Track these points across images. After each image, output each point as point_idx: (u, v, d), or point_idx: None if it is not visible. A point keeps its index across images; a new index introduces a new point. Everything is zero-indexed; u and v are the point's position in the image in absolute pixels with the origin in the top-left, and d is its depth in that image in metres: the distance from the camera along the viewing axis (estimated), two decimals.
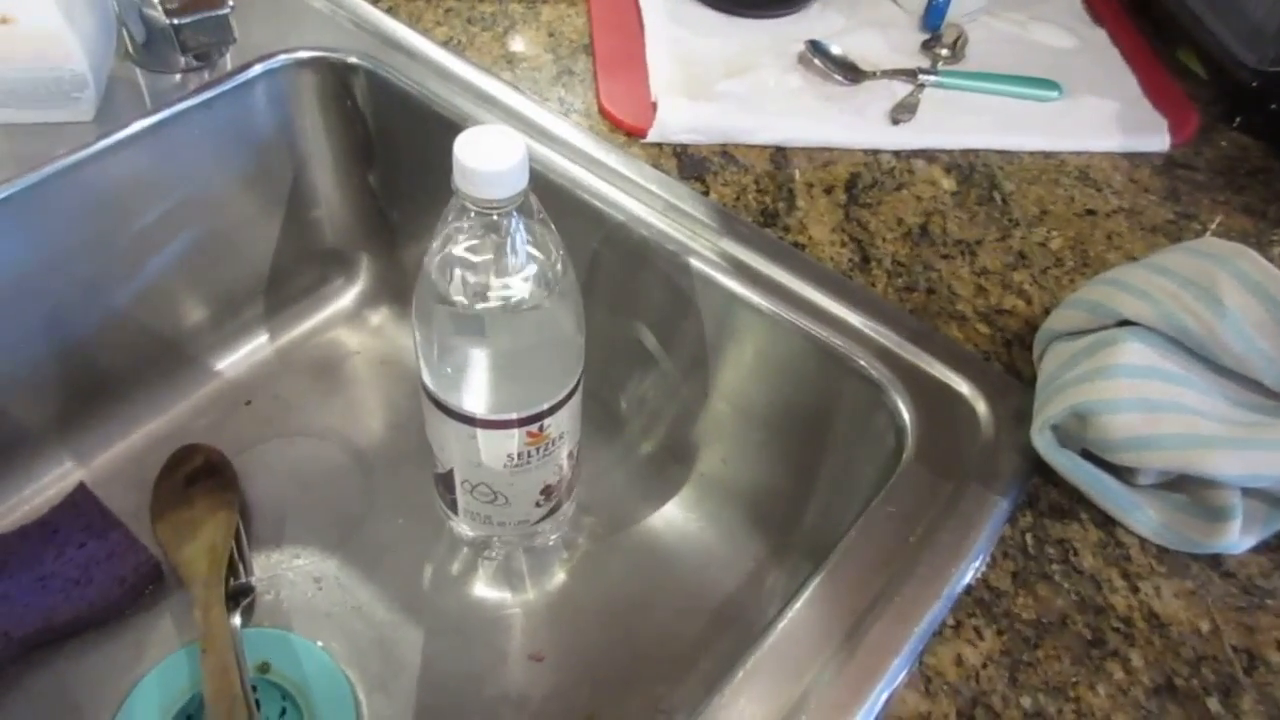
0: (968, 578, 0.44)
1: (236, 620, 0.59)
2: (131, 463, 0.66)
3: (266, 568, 0.62)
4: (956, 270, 0.57)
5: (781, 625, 0.42)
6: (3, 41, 0.52)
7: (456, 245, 0.48)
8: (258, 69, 0.62)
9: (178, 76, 0.61)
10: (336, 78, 0.65)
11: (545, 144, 0.60)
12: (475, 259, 0.48)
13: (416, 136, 0.64)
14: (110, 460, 0.65)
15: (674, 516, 0.65)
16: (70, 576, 0.59)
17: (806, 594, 0.43)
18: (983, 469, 0.47)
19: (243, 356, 0.71)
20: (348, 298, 0.75)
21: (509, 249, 0.48)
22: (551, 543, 0.64)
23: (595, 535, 0.65)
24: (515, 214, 0.46)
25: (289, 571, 0.62)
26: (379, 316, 0.75)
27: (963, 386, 0.50)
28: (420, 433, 0.56)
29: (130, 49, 0.61)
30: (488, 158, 0.44)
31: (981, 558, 0.44)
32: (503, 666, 0.60)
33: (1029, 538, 0.45)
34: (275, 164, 0.67)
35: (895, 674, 0.40)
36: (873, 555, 0.44)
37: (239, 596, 0.60)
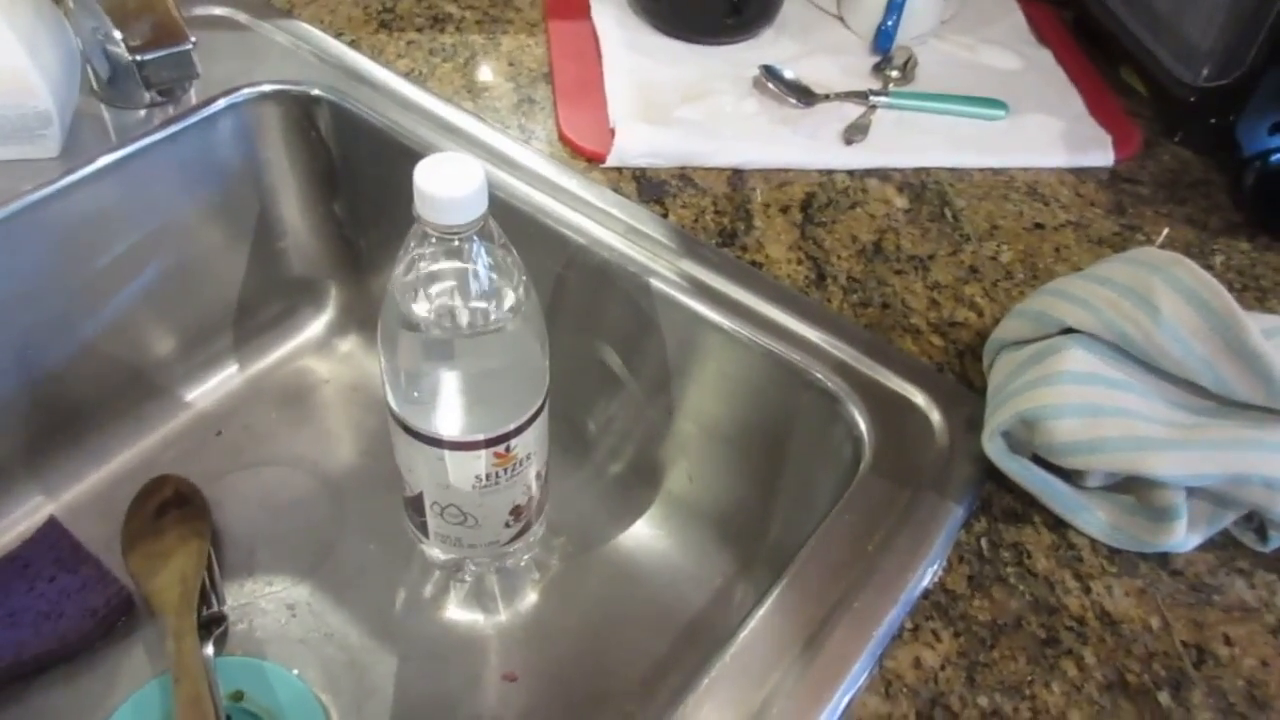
0: (925, 582, 0.45)
1: (209, 649, 0.59)
2: (102, 495, 0.66)
3: (239, 596, 0.63)
4: (910, 285, 0.58)
5: (744, 635, 0.43)
6: None
7: (419, 271, 0.49)
8: (222, 103, 0.64)
9: (142, 112, 0.62)
10: (300, 110, 0.66)
11: (507, 170, 0.61)
12: (438, 284, 0.49)
13: (380, 166, 0.65)
14: (81, 493, 0.66)
15: (643, 535, 0.66)
16: (41, 610, 0.59)
17: (768, 603, 0.44)
18: (938, 477, 0.48)
19: (212, 387, 0.72)
20: (316, 326, 0.76)
21: (471, 273, 0.49)
22: (523, 564, 0.64)
23: (566, 555, 0.66)
24: (476, 239, 0.47)
25: (261, 600, 0.63)
26: (348, 344, 0.75)
27: (917, 397, 0.52)
28: (390, 459, 0.57)
29: (95, 85, 0.62)
30: (447, 184, 0.45)
31: (938, 563, 0.46)
32: (477, 687, 0.60)
33: (984, 542, 0.47)
34: (241, 196, 0.67)
35: (856, 677, 0.41)
36: (832, 563, 0.45)
37: (211, 626, 0.60)
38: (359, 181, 0.69)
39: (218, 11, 0.70)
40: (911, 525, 0.46)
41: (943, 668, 0.42)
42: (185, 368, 0.70)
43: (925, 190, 0.64)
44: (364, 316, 0.75)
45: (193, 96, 0.63)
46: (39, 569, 0.61)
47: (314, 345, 0.75)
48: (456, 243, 0.47)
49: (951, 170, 0.66)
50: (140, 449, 0.68)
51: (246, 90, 0.64)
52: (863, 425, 0.51)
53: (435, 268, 0.49)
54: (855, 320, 0.56)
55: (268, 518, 0.66)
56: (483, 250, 0.48)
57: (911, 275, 0.59)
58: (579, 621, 0.63)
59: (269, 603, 0.63)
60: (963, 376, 0.53)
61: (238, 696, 0.58)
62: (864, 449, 0.50)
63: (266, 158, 0.67)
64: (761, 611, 0.44)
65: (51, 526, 0.63)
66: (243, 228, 0.69)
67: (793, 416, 0.55)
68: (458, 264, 0.49)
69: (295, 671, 0.59)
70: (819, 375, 0.53)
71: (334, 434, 0.72)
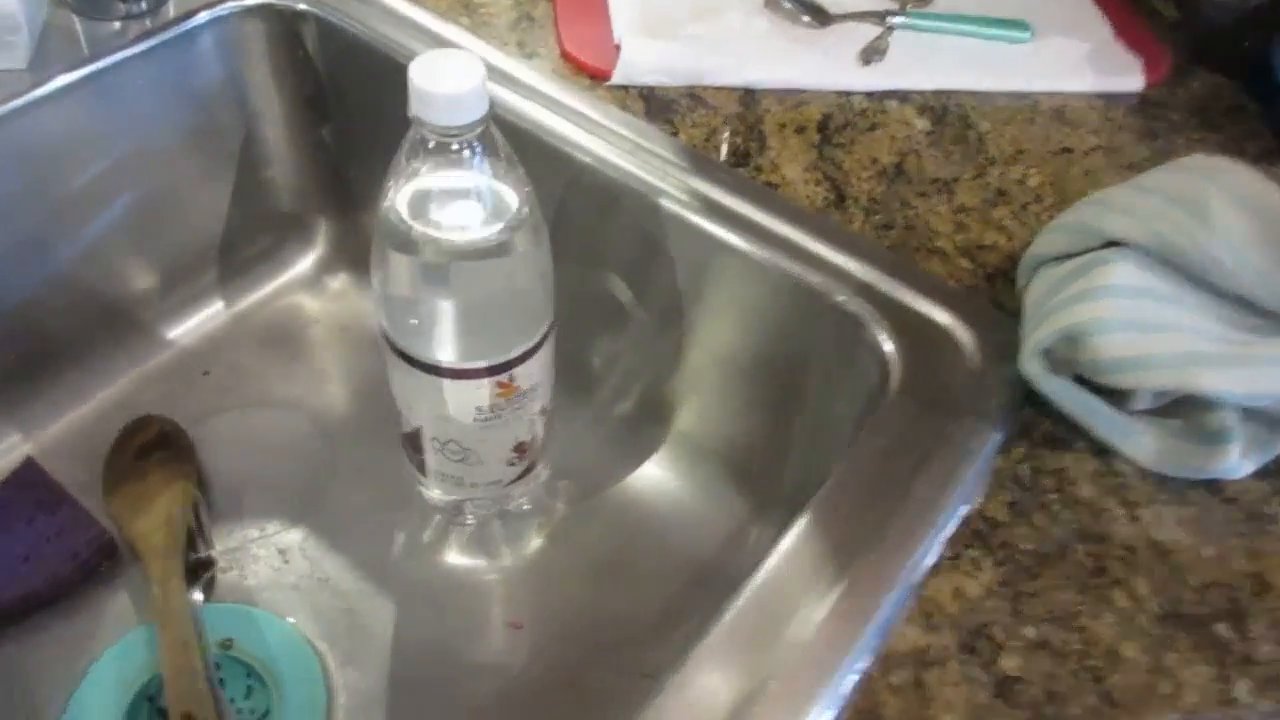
0: (963, 509, 0.42)
1: (196, 595, 0.56)
2: (82, 435, 0.62)
3: (228, 542, 0.59)
4: (934, 207, 0.55)
5: (765, 571, 0.40)
6: None
7: (414, 183, 0.46)
8: (203, 16, 0.60)
9: (117, 24, 0.58)
10: (285, 25, 0.62)
11: (506, 86, 0.58)
12: (435, 198, 0.46)
13: (370, 86, 0.61)
14: (59, 432, 0.62)
15: (652, 477, 0.63)
16: (18, 554, 0.56)
17: (792, 535, 0.41)
18: (971, 400, 0.45)
19: (197, 324, 0.68)
20: (305, 263, 0.72)
21: (472, 185, 0.45)
22: (526, 507, 0.61)
23: (571, 499, 0.63)
24: (478, 145, 0.44)
25: (251, 545, 0.60)
26: (339, 282, 0.72)
27: (946, 319, 0.49)
28: (386, 401, 0.54)
29: None
30: (446, 80, 0.42)
31: (976, 489, 0.43)
32: (480, 635, 0.57)
33: (1024, 468, 0.44)
34: (223, 119, 0.64)
35: (891, 608, 0.39)
36: (862, 490, 0.42)
37: (199, 571, 0.57)
38: (349, 106, 0.65)
39: None
40: (946, 450, 0.43)
41: (986, 597, 0.39)
42: (167, 303, 0.67)
43: (947, 113, 0.61)
44: (356, 253, 0.72)
45: (171, 9, 0.59)
46: (16, 511, 0.58)
47: (303, 282, 0.72)
48: (456, 148, 0.44)
49: (974, 93, 0.62)
50: (121, 387, 0.65)
51: (230, 3, 0.60)
52: (888, 348, 0.48)
53: (433, 179, 0.46)
54: (878, 242, 0.52)
55: (257, 460, 0.63)
56: (485, 159, 0.45)
57: (935, 198, 0.55)
58: (586, 567, 0.60)
59: (260, 548, 0.59)
60: (994, 300, 0.50)
61: (226, 644, 0.55)
62: (891, 372, 0.47)
63: (250, 79, 0.63)
64: (785, 543, 0.41)
65: (28, 467, 0.59)
66: (225, 155, 0.65)
67: (812, 343, 0.52)
68: (457, 174, 0.45)
69: (291, 620, 0.56)
70: (841, 297, 0.50)
71: (326, 375, 0.68)
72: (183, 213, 0.65)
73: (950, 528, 0.41)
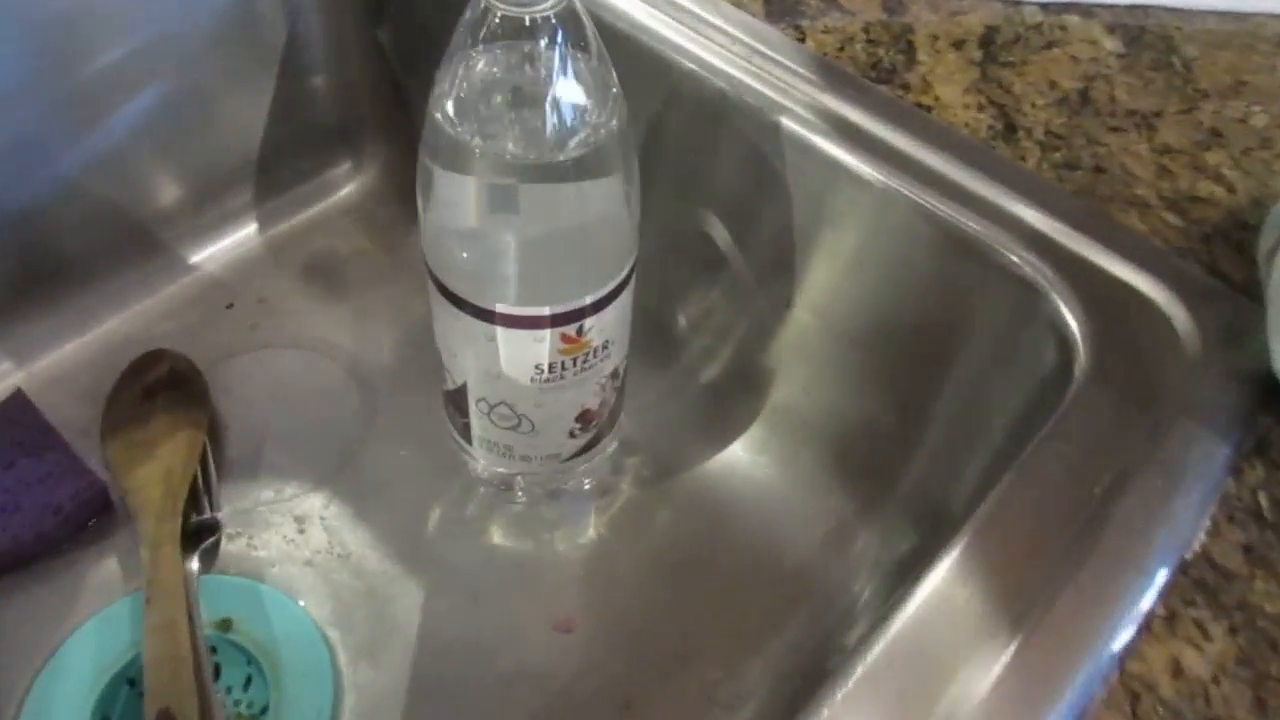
0: (1179, 550, 0.31)
1: (194, 564, 0.47)
2: (83, 368, 0.54)
3: (238, 502, 0.51)
4: (1130, 146, 0.43)
5: (909, 610, 0.29)
6: None
7: (474, 76, 0.36)
8: None
9: None
10: None
11: None
12: (498, 95, 0.35)
13: None
14: (57, 362, 0.54)
15: (739, 460, 0.53)
16: None
17: (945, 563, 0.30)
18: (1188, 400, 0.34)
19: (224, 249, 0.59)
20: (353, 187, 0.63)
21: (548, 80, 0.35)
22: (587, 487, 0.51)
23: (641, 480, 0.53)
24: (558, 27, 0.34)
25: (265, 508, 0.51)
26: (390, 211, 0.62)
27: (1152, 290, 0.37)
28: (436, 350, 0.44)
29: None
30: None
31: (1197, 523, 0.31)
32: (521, 636, 0.48)
33: (1262, 497, 0.32)
34: (264, 11, 0.54)
35: (1082, 684, 0.27)
36: (1039, 513, 0.31)
37: (201, 535, 0.49)
38: (412, 2, 0.55)
39: None
40: (1155, 465, 0.32)
41: (1217, 679, 0.28)
42: (191, 223, 0.58)
43: (1144, 33, 0.48)
44: (411, 179, 0.62)
45: None
46: None
47: (349, 209, 0.62)
48: (529, 30, 0.33)
49: (1175, 11, 0.50)
50: (132, 316, 0.56)
51: None
52: (1073, 323, 0.36)
53: (496, 71, 0.35)
54: (1060, 185, 0.41)
55: (282, 410, 0.54)
56: (566, 51, 0.34)
57: (1133, 134, 0.43)
58: (652, 563, 0.50)
59: (274, 513, 0.50)
60: (1212, 267, 0.38)
61: (224, 625, 0.47)
62: (1077, 355, 0.36)
63: None
64: (935, 575, 0.30)
65: (15, 401, 0.51)
66: (265, 53, 0.56)
67: (966, 310, 0.41)
68: (528, 67, 0.35)
69: (301, 603, 0.47)
70: (1012, 256, 0.38)
71: (368, 316, 0.59)
72: (213, 119, 0.56)
73: (1163, 576, 0.30)
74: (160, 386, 0.53)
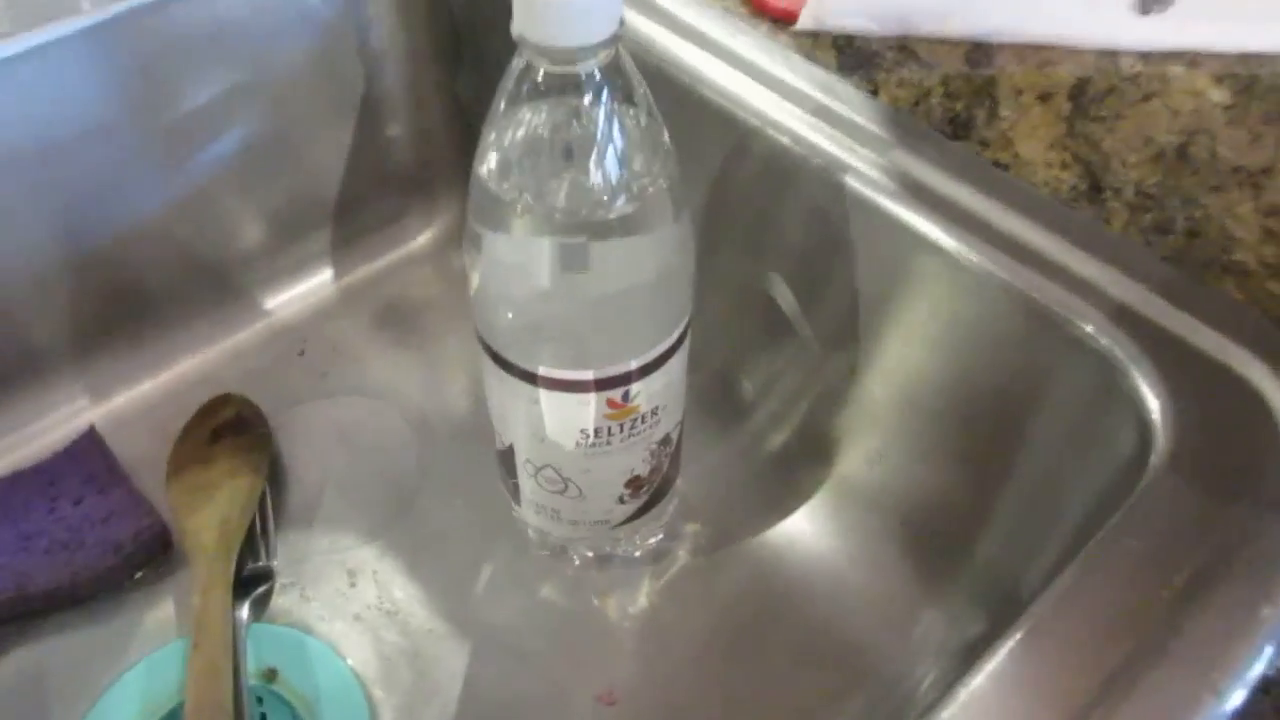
0: (1264, 662, 0.27)
1: (244, 612, 0.47)
2: (156, 407, 0.55)
3: (293, 551, 0.50)
4: (1232, 206, 0.39)
5: (957, 704, 0.27)
6: None
7: (517, 133, 0.35)
8: None
9: None
10: None
11: (659, 24, 0.46)
12: (540, 151, 0.34)
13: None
14: (130, 401, 0.55)
15: (801, 531, 0.50)
16: (59, 538, 0.49)
17: (996, 659, 0.27)
18: None
19: (299, 295, 0.60)
20: (428, 235, 0.63)
21: (593, 136, 0.34)
22: (638, 554, 0.50)
23: (699, 547, 0.50)
24: (601, 78, 0.33)
25: (318, 557, 0.50)
26: (461, 259, 0.62)
27: (1248, 367, 0.34)
28: None
29: None
30: None
31: None
32: (563, 705, 0.46)
33: None
34: (343, 60, 0.55)
35: None
36: (1104, 609, 0.28)
37: (254, 583, 0.49)
38: (486, 53, 0.55)
39: None
40: (1242, 564, 0.29)
41: None
42: (268, 268, 0.59)
43: (1256, 83, 0.45)
44: None
45: None
46: (65, 488, 0.51)
47: (423, 257, 0.62)
48: (573, 83, 0.32)
49: None
50: (207, 358, 0.57)
51: None
52: (1153, 403, 0.33)
53: (539, 128, 0.34)
54: (1148, 250, 0.38)
55: (342, 458, 0.54)
56: (610, 102, 0.33)
57: (1235, 193, 0.40)
58: (704, 636, 0.47)
59: (328, 564, 0.50)
60: None
61: (270, 675, 0.46)
62: (1155, 439, 0.32)
63: (373, 12, 0.54)
64: (989, 667, 0.27)
65: (87, 439, 0.52)
66: (345, 103, 0.57)
67: (1041, 384, 0.38)
68: (573, 123, 0.34)
69: (349, 661, 0.47)
70: (1088, 327, 0.35)
71: (435, 367, 0.59)
72: (291, 165, 0.57)
73: (1239, 697, 0.26)
74: (226, 430, 0.54)
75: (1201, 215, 0.39)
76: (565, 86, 0.33)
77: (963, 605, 0.45)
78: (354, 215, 0.60)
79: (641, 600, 0.49)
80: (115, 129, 0.49)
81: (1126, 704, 0.26)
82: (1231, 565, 0.29)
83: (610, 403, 0.39)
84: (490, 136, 0.36)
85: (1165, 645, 0.27)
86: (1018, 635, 0.28)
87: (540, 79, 0.33)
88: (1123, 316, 0.35)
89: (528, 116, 0.34)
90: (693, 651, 0.47)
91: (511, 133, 0.35)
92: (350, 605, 0.49)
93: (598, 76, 0.33)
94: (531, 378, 0.39)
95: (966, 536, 0.44)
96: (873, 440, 0.47)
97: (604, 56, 0.32)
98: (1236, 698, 0.26)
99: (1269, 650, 0.27)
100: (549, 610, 0.49)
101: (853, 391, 0.47)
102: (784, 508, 0.51)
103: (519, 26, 0.32)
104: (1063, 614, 0.28)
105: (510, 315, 0.38)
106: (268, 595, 0.49)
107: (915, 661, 0.46)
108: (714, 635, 0.47)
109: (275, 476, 0.53)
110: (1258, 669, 0.27)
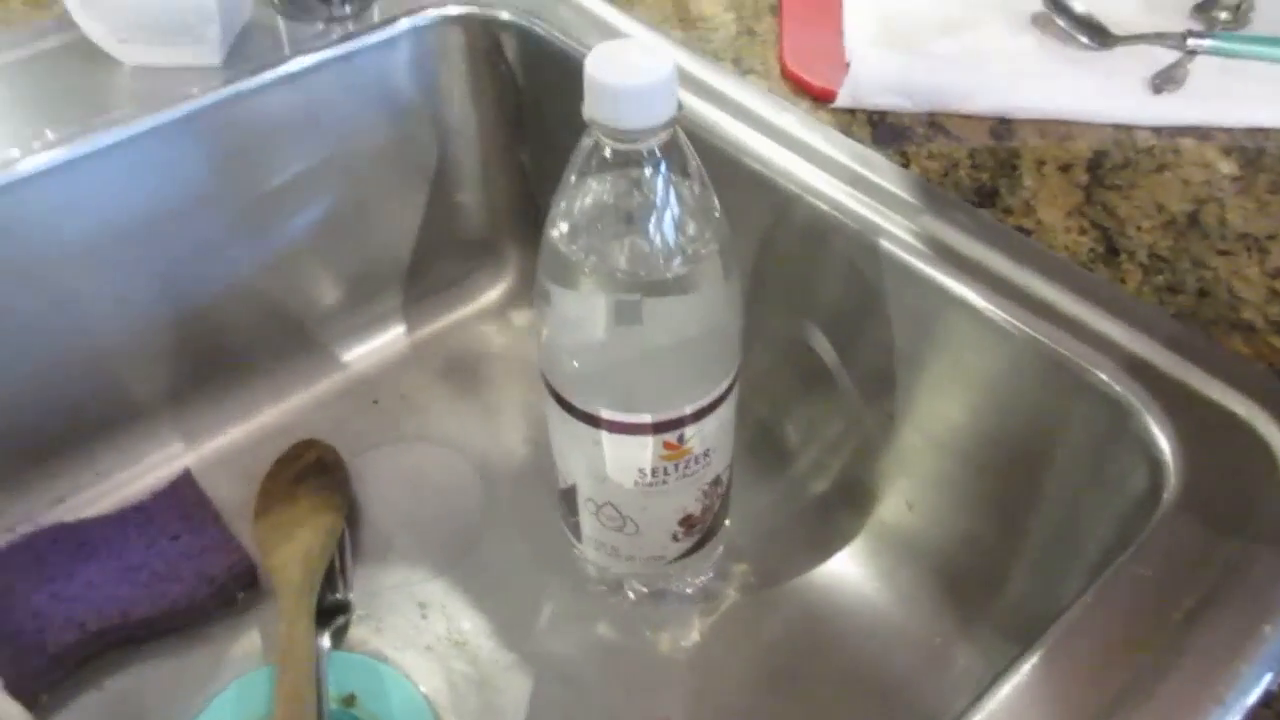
0: (1265, 682, 0.30)
1: (325, 641, 0.51)
2: (243, 453, 0.60)
3: (368, 585, 0.54)
4: (1239, 269, 0.43)
5: (981, 715, 0.30)
6: None
7: (585, 201, 0.39)
8: (404, 24, 0.56)
9: (320, 25, 0.55)
10: (486, 35, 0.58)
11: (711, 103, 0.51)
12: (605, 219, 0.39)
13: (572, 104, 0.56)
14: (221, 447, 0.60)
15: (843, 572, 0.53)
16: (157, 570, 0.53)
17: (1013, 681, 0.30)
18: None
19: (373, 349, 0.65)
20: (493, 293, 0.67)
21: (649, 205, 0.38)
22: (690, 591, 0.53)
23: (746, 587, 0.54)
24: (660, 156, 0.37)
25: (391, 591, 0.54)
26: (525, 316, 0.67)
27: (1249, 412, 0.37)
28: None
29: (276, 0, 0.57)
30: (625, 72, 0.35)
31: None
32: None
33: None
34: (418, 134, 0.60)
35: None
36: (1115, 634, 0.31)
37: (333, 614, 0.53)
38: (549, 127, 0.60)
39: None
40: (1242, 593, 0.32)
41: None
42: (348, 324, 0.64)
43: (1263, 155, 0.48)
44: None
45: (375, 14, 0.56)
46: (163, 525, 0.55)
47: (488, 314, 0.67)
48: (634, 159, 0.37)
49: None
50: (289, 407, 0.62)
51: (432, 11, 0.57)
52: (1165, 446, 0.36)
53: (605, 196, 0.39)
54: (1160, 308, 0.41)
55: (413, 500, 0.58)
56: (669, 176, 0.38)
57: (1243, 257, 0.43)
58: (752, 670, 0.51)
59: (400, 596, 0.54)
60: None
61: (349, 700, 0.50)
62: (1167, 479, 0.35)
63: (447, 92, 0.59)
64: (1001, 692, 0.30)
65: (183, 481, 0.57)
66: (419, 173, 0.62)
67: (1061, 430, 0.41)
68: (635, 193, 0.38)
69: (422, 688, 0.50)
70: (1103, 375, 0.38)
71: (499, 415, 0.63)
72: (370, 230, 0.62)
73: (1242, 711, 0.29)
74: (308, 473, 0.58)
75: (1211, 276, 0.42)
76: (628, 161, 0.37)
77: (996, 640, 0.48)
78: (424, 275, 0.65)
79: (693, 635, 0.52)
80: (215, 200, 0.55)
81: (1138, 716, 0.29)
82: (1234, 592, 0.32)
83: (666, 444, 0.43)
84: (561, 204, 0.40)
85: (1174, 663, 0.30)
86: (1038, 653, 0.31)
87: (607, 155, 0.37)
88: (1136, 368, 0.39)
89: (594, 187, 0.39)
90: (741, 684, 0.50)
91: (580, 201, 0.39)
92: (421, 636, 0.52)
93: (657, 152, 0.37)
94: (594, 420, 0.43)
95: (997, 574, 0.47)
96: (908, 485, 0.51)
97: (663, 135, 0.37)
98: (1239, 711, 0.29)
99: (1269, 668, 0.30)
100: (606, 643, 0.52)
101: (889, 439, 0.50)
102: (826, 550, 0.54)
103: (590, 111, 0.36)
104: (1080, 635, 0.31)
105: (575, 363, 0.42)
106: (345, 626, 0.53)
107: (953, 697, 0.48)
108: (761, 669, 0.50)
109: (351, 516, 0.57)
110: (1260, 684, 0.30)
